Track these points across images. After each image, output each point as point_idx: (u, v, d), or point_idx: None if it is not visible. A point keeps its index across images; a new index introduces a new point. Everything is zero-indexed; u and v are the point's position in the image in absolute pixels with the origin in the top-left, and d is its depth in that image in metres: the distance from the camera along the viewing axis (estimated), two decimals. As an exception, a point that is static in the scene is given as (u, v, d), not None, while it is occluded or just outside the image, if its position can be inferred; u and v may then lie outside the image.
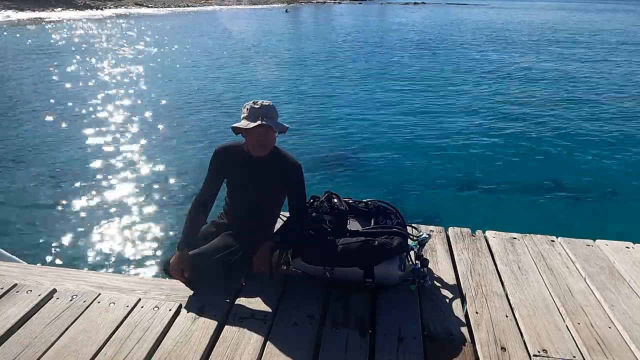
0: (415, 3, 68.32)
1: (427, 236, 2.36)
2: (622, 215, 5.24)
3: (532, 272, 2.42)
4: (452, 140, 7.71)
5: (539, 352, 1.87)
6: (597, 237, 2.80)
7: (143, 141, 7.47)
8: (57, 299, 2.13)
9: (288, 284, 2.29)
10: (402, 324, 2.02)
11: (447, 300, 2.21)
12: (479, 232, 2.85)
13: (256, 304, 2.13)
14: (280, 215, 2.53)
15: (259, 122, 2.02)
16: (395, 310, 2.11)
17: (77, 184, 5.80)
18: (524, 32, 28.00)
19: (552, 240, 2.76)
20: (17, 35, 22.03)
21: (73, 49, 17.80)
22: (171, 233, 4.70)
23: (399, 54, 17.96)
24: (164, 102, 10.14)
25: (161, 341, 1.89)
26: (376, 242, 2.23)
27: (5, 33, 22.47)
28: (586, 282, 2.35)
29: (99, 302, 2.11)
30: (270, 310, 2.09)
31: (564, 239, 2.77)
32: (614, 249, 2.66)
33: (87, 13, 36.44)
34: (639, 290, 2.28)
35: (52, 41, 19.88)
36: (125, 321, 1.99)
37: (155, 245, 4.52)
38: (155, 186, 5.79)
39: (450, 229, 2.87)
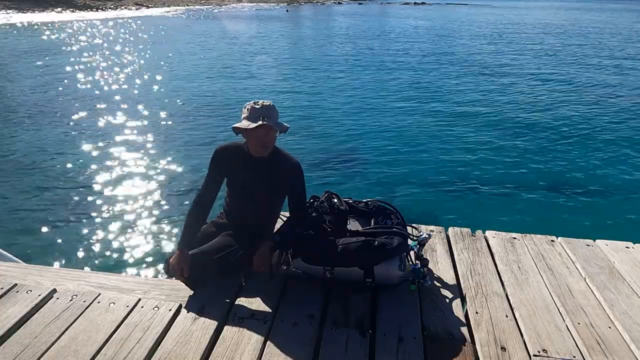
0: (415, 3, 68.33)
1: (427, 236, 2.36)
2: (622, 215, 5.24)
3: (532, 272, 2.42)
4: (453, 140, 7.71)
5: (539, 352, 1.87)
6: (597, 237, 2.80)
7: (143, 141, 7.47)
8: (57, 299, 2.13)
9: (288, 284, 2.29)
10: (402, 324, 2.02)
11: (447, 300, 2.21)
12: (479, 232, 2.85)
13: (256, 304, 2.13)
14: (280, 215, 2.53)
15: (260, 123, 2.02)
16: (395, 310, 2.11)
17: (77, 185, 5.80)
18: (525, 32, 28.00)
19: (552, 240, 2.76)
20: (17, 35, 22.03)
21: (73, 49, 17.80)
22: (171, 233, 4.70)
23: (400, 55, 17.96)
24: (164, 102, 10.13)
25: (161, 341, 1.89)
26: (376, 242, 2.23)
27: (4, 33, 22.47)
28: (586, 282, 2.35)
29: (99, 302, 2.11)
30: (270, 310, 2.09)
31: (564, 239, 2.77)
32: (614, 249, 2.66)
33: (87, 13, 36.45)
34: (639, 290, 2.28)
35: (51, 42, 19.89)
36: (125, 321, 1.99)
37: (155, 245, 4.51)
38: (155, 186, 5.80)
39: (450, 229, 2.87)
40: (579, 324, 2.03)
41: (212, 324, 1.98)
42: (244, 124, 2.05)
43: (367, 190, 5.74)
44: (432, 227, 2.87)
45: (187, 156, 6.83)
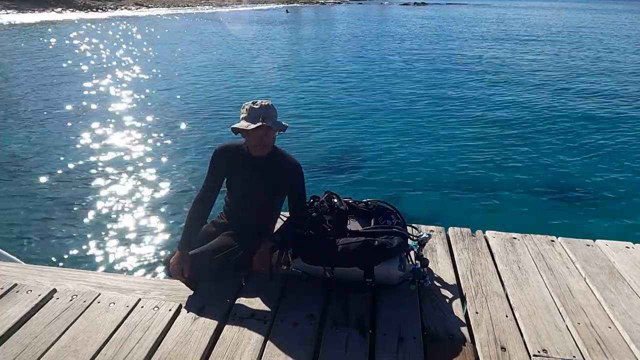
0: (415, 3, 68.40)
1: (427, 236, 2.36)
2: (622, 215, 5.24)
3: (532, 272, 2.42)
4: (453, 140, 7.71)
5: (539, 352, 1.86)
6: (597, 237, 2.80)
7: (143, 142, 7.47)
8: (57, 299, 2.13)
9: (288, 284, 2.28)
10: (402, 324, 2.02)
11: (447, 300, 2.21)
12: (479, 232, 2.85)
13: (256, 304, 2.13)
14: (280, 215, 2.53)
15: (259, 124, 2.02)
16: (395, 310, 2.11)
17: (77, 185, 5.80)
18: (527, 33, 28.00)
19: (552, 240, 2.76)
20: (16, 36, 22.03)
21: (73, 50, 17.80)
22: (171, 233, 4.70)
23: (400, 56, 17.97)
24: (163, 103, 10.14)
25: (161, 341, 1.89)
26: (376, 242, 2.23)
27: (4, 33, 22.48)
28: (586, 282, 2.35)
29: (99, 302, 2.11)
30: (270, 310, 2.09)
31: (564, 239, 2.77)
32: (614, 249, 2.66)
33: (87, 13, 36.46)
34: (639, 290, 2.28)
35: (51, 42, 19.89)
36: (125, 321, 1.99)
37: (155, 245, 4.52)
38: (156, 186, 5.80)
39: (450, 229, 2.87)
40: (579, 324, 2.03)
41: (212, 324, 1.98)
42: (243, 124, 2.05)
43: (367, 190, 5.74)
44: (432, 227, 2.87)
45: (187, 156, 6.84)
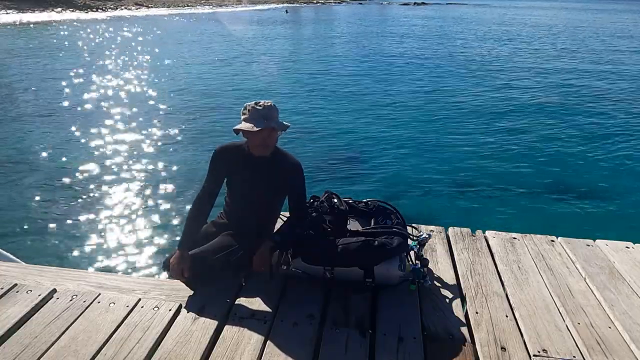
0: (415, 3, 68.42)
1: (427, 236, 2.36)
2: (622, 215, 5.24)
3: (532, 272, 2.42)
4: (453, 140, 7.71)
5: (539, 352, 1.87)
6: (597, 237, 2.80)
7: (143, 142, 7.47)
8: (57, 299, 2.13)
9: (288, 284, 2.29)
10: (402, 324, 2.02)
11: (447, 300, 2.21)
12: (479, 232, 2.85)
13: (256, 304, 2.13)
14: (280, 215, 2.53)
15: (264, 126, 2.01)
16: (395, 310, 2.11)
17: (78, 185, 5.80)
18: (527, 33, 28.00)
19: (552, 240, 2.76)
20: (16, 35, 22.04)
21: (72, 50, 17.80)
22: (171, 233, 4.70)
23: (401, 56, 17.96)
24: (164, 103, 10.13)
25: (161, 341, 1.89)
26: (376, 242, 2.23)
27: (4, 33, 22.48)
28: (586, 282, 2.35)
29: (99, 302, 2.11)
30: (270, 310, 2.09)
31: (564, 239, 2.77)
32: (614, 249, 2.66)
33: (87, 13, 36.46)
34: (639, 290, 2.28)
35: (51, 42, 19.89)
36: (125, 321, 1.99)
37: (155, 245, 4.52)
38: (156, 186, 5.80)
39: (450, 229, 2.87)
40: (579, 324, 2.03)
41: (212, 324, 1.98)
42: (247, 125, 2.04)
43: (367, 190, 5.74)
44: (432, 227, 2.87)
45: (187, 156, 6.84)
